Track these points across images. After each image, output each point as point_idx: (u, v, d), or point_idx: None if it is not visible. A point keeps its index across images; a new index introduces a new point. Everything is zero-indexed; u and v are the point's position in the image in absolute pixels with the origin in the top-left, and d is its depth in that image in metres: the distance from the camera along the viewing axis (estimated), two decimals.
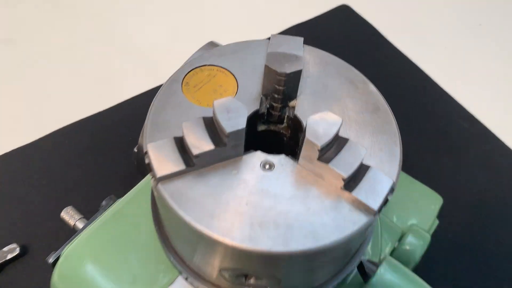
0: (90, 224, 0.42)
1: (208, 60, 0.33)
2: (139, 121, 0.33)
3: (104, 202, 0.46)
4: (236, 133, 0.26)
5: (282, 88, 0.29)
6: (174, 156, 0.27)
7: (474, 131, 0.68)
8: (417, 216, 0.53)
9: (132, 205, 0.41)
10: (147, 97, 0.65)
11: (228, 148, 0.27)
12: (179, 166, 0.26)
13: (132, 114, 0.62)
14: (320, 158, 0.26)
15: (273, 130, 0.33)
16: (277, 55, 0.29)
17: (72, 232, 0.44)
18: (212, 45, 0.47)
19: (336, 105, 0.31)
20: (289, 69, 0.28)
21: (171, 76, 0.32)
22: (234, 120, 0.26)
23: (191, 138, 0.26)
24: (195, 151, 0.26)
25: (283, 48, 0.30)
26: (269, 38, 0.33)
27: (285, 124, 0.32)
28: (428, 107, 0.72)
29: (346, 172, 0.25)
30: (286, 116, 0.32)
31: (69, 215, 0.45)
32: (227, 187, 0.27)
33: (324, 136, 0.25)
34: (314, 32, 0.82)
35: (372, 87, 0.32)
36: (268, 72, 0.29)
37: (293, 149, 0.33)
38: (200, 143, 0.26)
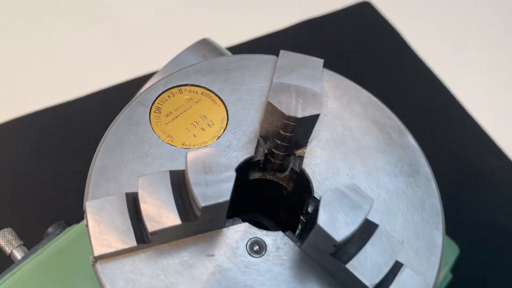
0: (30, 256, 0.35)
1: (191, 77, 0.25)
2: (113, 117, 0.24)
3: (50, 230, 0.38)
4: (214, 207, 0.18)
5: (288, 134, 0.21)
6: (122, 224, 0.19)
7: (501, 167, 0.61)
8: None
9: (85, 239, 0.33)
10: (124, 88, 0.56)
11: (202, 222, 0.19)
12: (128, 242, 0.19)
13: (104, 107, 0.53)
14: (334, 253, 0.18)
15: (270, 180, 0.25)
16: (285, 89, 0.21)
17: (8, 261, 0.36)
18: (205, 44, 0.39)
19: (360, 162, 0.23)
20: (301, 112, 0.20)
21: (137, 96, 0.24)
22: (214, 188, 0.18)
23: (147, 205, 0.18)
24: (151, 226, 0.18)
25: (295, 77, 0.22)
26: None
27: (286, 174, 0.25)
28: (448, 131, 0.64)
29: (371, 280, 0.18)
30: (290, 167, 0.24)
31: (6, 240, 0.38)
32: (195, 279, 0.19)
33: (345, 228, 0.17)
34: (326, 29, 0.73)
35: (410, 139, 0.24)
36: (272, 111, 0.21)
37: (294, 208, 0.25)
38: (160, 215, 0.18)
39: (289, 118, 0.20)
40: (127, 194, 0.20)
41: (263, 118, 0.22)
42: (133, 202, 0.20)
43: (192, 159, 0.18)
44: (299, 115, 0.20)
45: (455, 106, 0.68)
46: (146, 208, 0.18)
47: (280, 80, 0.22)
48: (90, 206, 0.19)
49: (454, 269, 0.45)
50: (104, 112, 0.50)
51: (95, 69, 0.60)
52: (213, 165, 0.18)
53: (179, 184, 0.19)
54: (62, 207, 0.42)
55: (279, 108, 0.20)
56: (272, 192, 0.26)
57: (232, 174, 0.18)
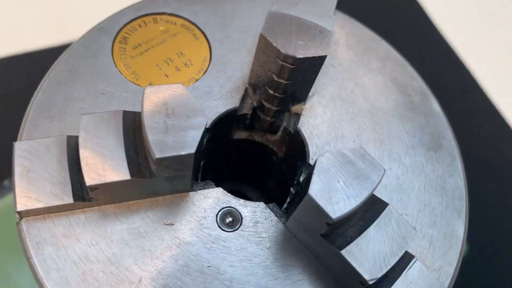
0: None
1: (171, 5, 0.20)
2: None
3: (6, 183, 0.34)
4: (174, 161, 0.14)
5: (284, 82, 0.17)
6: (58, 175, 0.15)
7: None
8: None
9: None
10: None
11: (160, 180, 0.15)
12: (62, 197, 0.15)
13: None
14: (327, 235, 0.14)
15: (258, 142, 0.21)
16: (285, 20, 0.17)
17: None
18: None
19: (371, 127, 0.19)
20: (302, 51, 0.16)
21: (100, 22, 0.20)
22: (177, 136, 0.14)
23: (89, 151, 0.14)
24: (90, 179, 0.14)
25: (300, 11, 0.18)
26: None
27: (278, 135, 0.21)
28: (466, 118, 0.60)
29: (372, 274, 0.14)
30: (282, 127, 0.20)
31: None
32: (146, 252, 0.15)
33: (344, 202, 0.13)
34: None
35: (435, 105, 0.20)
36: (265, 47, 0.17)
37: (286, 178, 0.21)
38: (104, 166, 0.14)
39: (286, 58, 0.16)
40: (70, 138, 0.16)
41: (254, 59, 0.18)
42: (76, 149, 0.16)
43: (150, 95, 0.14)
44: (300, 54, 0.16)
45: (476, 90, 0.63)
46: (87, 155, 0.14)
47: (279, 9, 0.17)
48: (19, 148, 0.15)
49: (461, 268, 0.41)
50: None
51: (74, 12, 0.55)
52: (179, 107, 0.14)
53: (134, 129, 0.15)
54: None
55: (274, 44, 0.16)
56: (260, 157, 0.22)
57: (202, 121, 0.14)
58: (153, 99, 0.14)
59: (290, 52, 0.16)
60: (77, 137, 0.16)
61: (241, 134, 0.21)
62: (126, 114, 0.15)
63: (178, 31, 0.20)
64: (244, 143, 0.21)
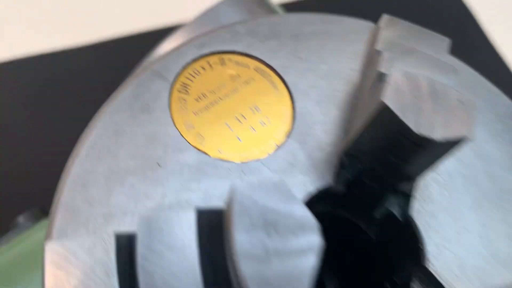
0: None
1: (242, 40, 0.16)
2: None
3: (20, 220, 0.30)
4: None
5: (401, 163, 0.13)
6: None
7: None
8: None
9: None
10: (132, 43, 0.47)
11: None
12: None
13: (104, 63, 0.45)
14: None
15: (348, 220, 0.17)
16: (413, 84, 0.12)
17: None
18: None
19: (500, 216, 0.15)
20: (441, 131, 0.12)
21: (153, 62, 0.15)
22: (283, 266, 0.10)
23: (150, 276, 0.10)
24: None
25: (420, 64, 0.14)
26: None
27: (376, 217, 0.16)
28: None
29: None
30: (385, 209, 0.15)
31: None
32: None
33: None
34: None
35: None
36: (386, 121, 0.12)
37: (371, 266, 0.17)
38: None
39: (418, 138, 0.12)
40: (119, 237, 0.12)
41: (359, 127, 0.14)
42: (128, 252, 0.12)
43: (241, 202, 0.10)
44: (437, 135, 0.12)
45: None
46: (149, 281, 0.10)
47: (399, 65, 0.13)
48: (51, 250, 0.11)
49: None
50: (103, 68, 0.42)
51: (97, 15, 0.51)
52: (282, 219, 0.10)
53: (211, 236, 0.11)
54: (38, 189, 0.33)
55: (404, 120, 0.12)
56: (344, 233, 0.18)
57: (316, 242, 0.10)
58: (245, 206, 0.10)
59: (425, 132, 0.12)
60: (130, 236, 0.12)
61: (326, 207, 0.17)
62: (200, 214, 0.11)
63: (252, 77, 0.16)
64: (327, 215, 0.17)
